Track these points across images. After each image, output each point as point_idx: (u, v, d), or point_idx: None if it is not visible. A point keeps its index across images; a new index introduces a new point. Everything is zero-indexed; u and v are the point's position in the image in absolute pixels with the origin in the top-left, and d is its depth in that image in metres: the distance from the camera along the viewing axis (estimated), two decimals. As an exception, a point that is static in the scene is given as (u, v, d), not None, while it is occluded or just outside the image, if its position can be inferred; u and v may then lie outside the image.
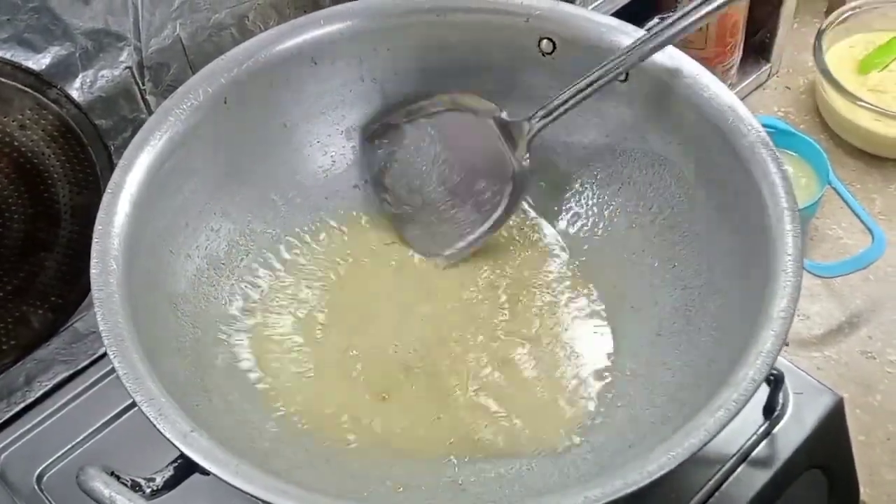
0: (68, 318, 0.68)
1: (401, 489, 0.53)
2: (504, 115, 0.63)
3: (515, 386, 0.59)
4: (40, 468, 0.63)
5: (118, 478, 0.43)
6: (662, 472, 0.43)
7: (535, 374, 0.59)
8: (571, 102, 0.60)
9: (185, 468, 0.45)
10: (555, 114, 0.61)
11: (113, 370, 0.64)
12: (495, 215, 0.64)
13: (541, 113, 0.61)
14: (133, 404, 0.63)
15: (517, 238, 0.66)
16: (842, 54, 0.96)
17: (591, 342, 0.61)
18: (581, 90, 0.60)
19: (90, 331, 0.69)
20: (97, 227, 0.52)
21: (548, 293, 0.63)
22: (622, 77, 0.60)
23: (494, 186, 0.64)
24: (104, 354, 0.68)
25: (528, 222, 0.67)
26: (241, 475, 0.43)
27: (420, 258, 0.66)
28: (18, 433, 0.65)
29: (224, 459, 0.44)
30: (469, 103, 0.64)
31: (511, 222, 0.66)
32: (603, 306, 0.62)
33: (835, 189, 0.85)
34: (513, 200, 0.64)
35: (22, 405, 0.66)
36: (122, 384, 0.46)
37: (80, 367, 0.68)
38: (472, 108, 0.64)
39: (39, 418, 0.65)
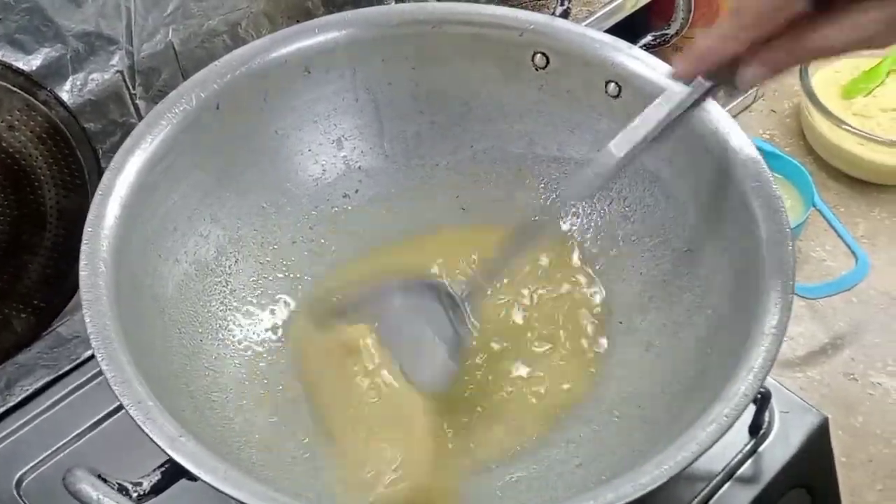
0: (51, 322, 0.68)
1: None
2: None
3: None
4: (19, 473, 0.62)
5: (105, 480, 0.42)
6: (655, 486, 0.43)
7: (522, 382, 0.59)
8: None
9: (173, 473, 0.45)
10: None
11: (96, 375, 0.65)
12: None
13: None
14: (115, 410, 0.64)
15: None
16: (827, 79, 0.96)
17: (579, 357, 0.61)
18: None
19: (73, 335, 0.68)
20: (87, 228, 0.52)
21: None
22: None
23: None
24: (87, 359, 0.67)
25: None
26: (230, 481, 0.43)
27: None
28: (-3, 438, 0.64)
29: (212, 465, 0.44)
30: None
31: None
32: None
33: (819, 211, 0.85)
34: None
35: (2, 409, 0.65)
36: (110, 387, 0.46)
37: (62, 371, 0.67)
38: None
39: (19, 423, 0.64)
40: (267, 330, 0.62)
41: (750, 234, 0.53)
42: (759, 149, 0.87)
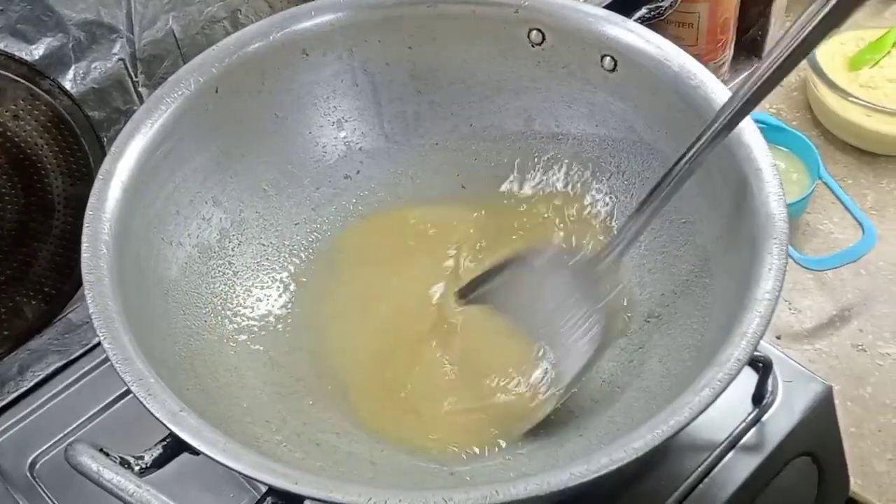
0: (62, 308, 0.69)
1: (388, 473, 0.54)
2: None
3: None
4: (33, 456, 0.63)
5: (107, 454, 0.43)
6: (647, 450, 0.43)
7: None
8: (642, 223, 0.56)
9: (174, 447, 0.45)
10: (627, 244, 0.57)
11: (106, 360, 0.65)
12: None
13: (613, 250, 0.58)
14: (124, 393, 0.65)
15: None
16: (833, 51, 0.96)
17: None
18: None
19: (84, 321, 0.69)
20: (88, 212, 0.53)
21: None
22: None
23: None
24: (97, 345, 0.68)
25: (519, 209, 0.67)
26: (229, 453, 0.43)
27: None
28: (11, 422, 0.65)
29: (212, 438, 0.44)
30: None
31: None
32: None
33: (826, 184, 0.85)
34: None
35: (15, 394, 0.66)
36: (113, 365, 0.47)
37: (73, 356, 0.68)
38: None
39: (32, 407, 0.66)
40: (270, 310, 0.62)
41: (745, 202, 0.53)
42: (765, 123, 0.88)
